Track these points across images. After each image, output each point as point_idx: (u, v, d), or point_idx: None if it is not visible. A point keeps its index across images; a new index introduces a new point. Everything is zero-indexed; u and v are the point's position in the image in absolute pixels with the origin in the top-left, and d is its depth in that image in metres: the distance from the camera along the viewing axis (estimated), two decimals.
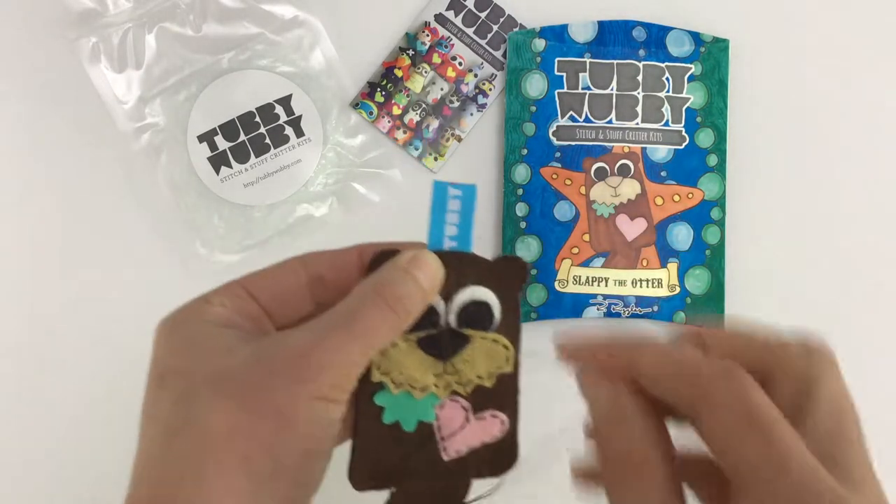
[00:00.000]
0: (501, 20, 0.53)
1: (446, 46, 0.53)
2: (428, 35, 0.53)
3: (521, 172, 0.52)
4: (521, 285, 0.31)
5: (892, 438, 0.46)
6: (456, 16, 0.53)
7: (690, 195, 0.52)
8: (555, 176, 0.52)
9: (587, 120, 0.52)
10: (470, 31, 0.53)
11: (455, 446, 0.31)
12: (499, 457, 0.31)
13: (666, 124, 0.52)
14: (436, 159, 0.53)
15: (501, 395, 0.31)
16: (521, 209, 0.52)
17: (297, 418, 0.26)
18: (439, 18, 0.53)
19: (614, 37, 0.52)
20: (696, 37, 0.53)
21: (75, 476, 0.51)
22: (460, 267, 0.31)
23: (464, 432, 0.31)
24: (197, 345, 0.28)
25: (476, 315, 0.31)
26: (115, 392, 0.52)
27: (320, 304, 0.31)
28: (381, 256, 0.30)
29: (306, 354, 0.26)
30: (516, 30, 0.53)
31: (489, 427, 0.31)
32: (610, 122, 0.52)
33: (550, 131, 0.52)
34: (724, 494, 0.24)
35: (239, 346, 0.27)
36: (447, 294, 0.30)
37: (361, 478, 0.30)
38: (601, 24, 0.52)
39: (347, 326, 0.27)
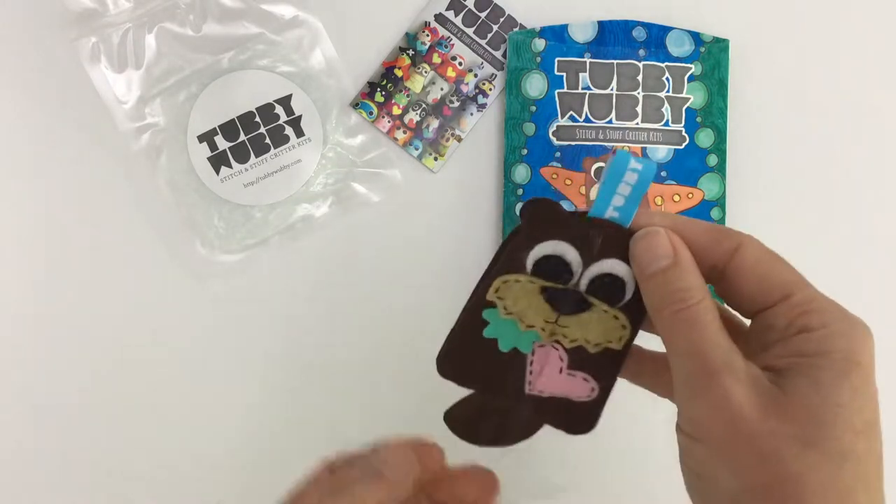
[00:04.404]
0: (501, 20, 0.53)
1: (446, 46, 0.53)
2: (428, 35, 0.53)
3: (521, 172, 0.52)
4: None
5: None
6: (456, 16, 0.53)
7: (690, 195, 0.52)
8: (555, 176, 0.52)
9: (587, 120, 0.52)
10: (470, 31, 0.53)
11: (540, 385, 0.32)
12: (577, 417, 0.32)
13: (666, 124, 0.52)
14: (436, 159, 0.53)
15: (601, 364, 0.31)
16: (520, 209, 0.52)
17: None
18: (439, 18, 0.53)
19: (614, 37, 0.52)
20: (696, 37, 0.53)
21: (73, 476, 0.51)
22: (612, 237, 0.31)
23: (552, 378, 0.32)
24: None
25: (607, 288, 0.31)
26: (114, 392, 0.52)
27: None
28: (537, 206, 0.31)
29: None
30: (516, 30, 0.53)
31: (578, 386, 0.32)
32: (610, 122, 0.52)
33: (550, 131, 0.52)
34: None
35: None
36: (589, 258, 0.31)
37: (446, 367, 0.32)
38: (601, 24, 0.53)
39: None
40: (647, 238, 0.30)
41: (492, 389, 0.32)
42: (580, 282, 0.31)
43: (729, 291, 0.30)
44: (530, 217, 0.31)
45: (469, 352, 0.32)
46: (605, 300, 0.31)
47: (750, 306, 0.30)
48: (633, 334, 0.31)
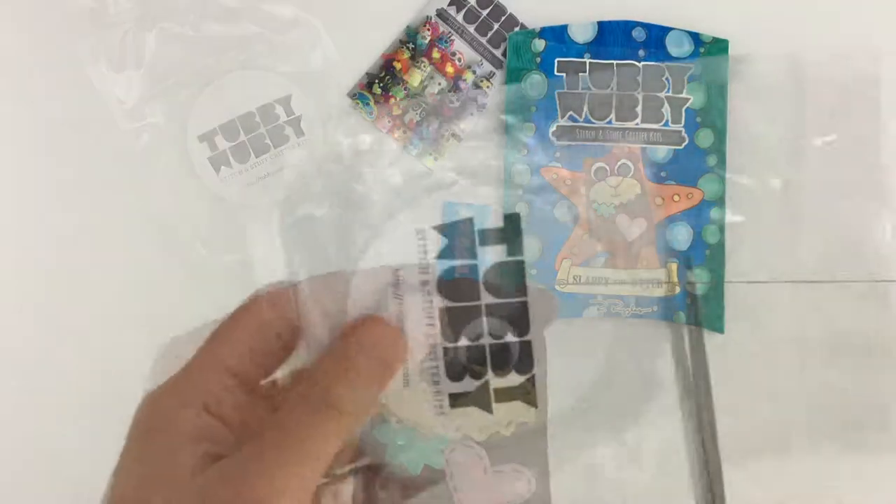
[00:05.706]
0: (502, 18, 0.53)
1: (446, 42, 0.53)
2: (429, 30, 0.53)
3: (521, 172, 0.52)
4: (547, 322, 0.27)
5: None
6: (457, 12, 0.53)
7: (690, 195, 0.52)
8: (555, 176, 0.52)
9: (587, 120, 0.52)
10: (471, 28, 0.53)
11: (471, 502, 0.27)
12: None
13: (666, 124, 0.52)
14: (436, 159, 0.53)
15: (524, 448, 0.27)
16: (520, 209, 0.52)
17: None
18: (441, 14, 0.53)
19: (614, 37, 0.52)
20: (696, 37, 0.53)
21: (70, 475, 0.52)
22: (472, 296, 0.27)
23: (481, 487, 0.27)
24: (160, 469, 0.25)
25: (490, 352, 0.27)
26: (112, 394, 0.52)
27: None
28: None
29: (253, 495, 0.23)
30: (517, 29, 0.53)
31: (511, 484, 0.27)
32: (610, 122, 0.52)
33: (550, 131, 0.52)
34: None
35: (194, 474, 0.24)
36: (457, 327, 0.27)
37: None
38: (601, 24, 0.52)
39: (293, 448, 0.23)
40: None
41: None
42: (456, 354, 0.27)
43: None
44: None
45: (379, 497, 0.27)
46: (494, 368, 0.27)
47: None
48: (541, 399, 0.27)
